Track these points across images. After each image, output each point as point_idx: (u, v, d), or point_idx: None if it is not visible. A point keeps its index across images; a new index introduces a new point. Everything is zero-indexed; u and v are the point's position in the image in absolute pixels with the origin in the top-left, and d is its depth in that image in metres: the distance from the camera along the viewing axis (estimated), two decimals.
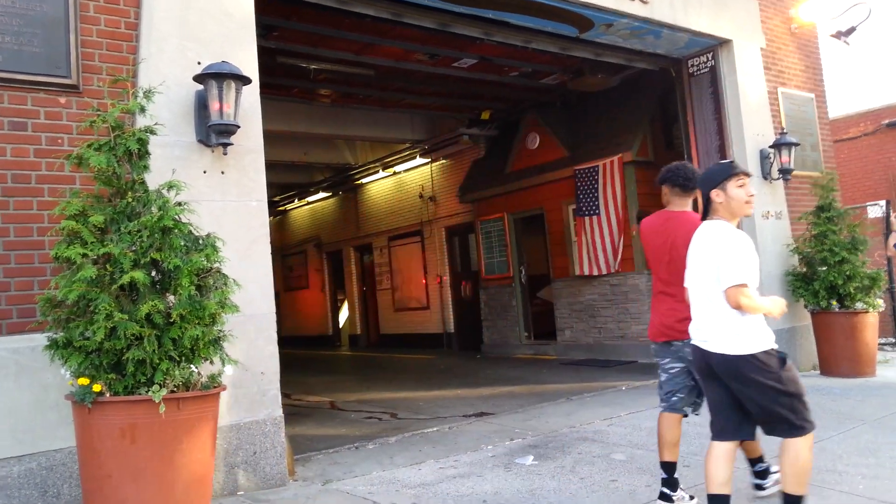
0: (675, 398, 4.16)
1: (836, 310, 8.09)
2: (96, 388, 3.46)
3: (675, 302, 3.98)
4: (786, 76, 9.50)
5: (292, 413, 7.41)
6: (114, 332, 3.49)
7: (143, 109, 4.08)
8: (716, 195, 3.43)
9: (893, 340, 10.32)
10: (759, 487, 4.13)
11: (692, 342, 3.54)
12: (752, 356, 3.24)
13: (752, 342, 3.26)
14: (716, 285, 3.33)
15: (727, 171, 3.45)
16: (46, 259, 4.20)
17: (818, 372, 8.32)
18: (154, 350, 3.51)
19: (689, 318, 3.63)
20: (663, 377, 4.21)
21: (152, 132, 4.03)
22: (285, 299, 20.87)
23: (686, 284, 3.65)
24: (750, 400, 3.31)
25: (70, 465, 4.11)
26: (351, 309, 18.79)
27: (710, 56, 8.92)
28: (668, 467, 4.08)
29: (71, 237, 3.68)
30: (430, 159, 15.12)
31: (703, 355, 3.44)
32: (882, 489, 4.14)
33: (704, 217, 3.54)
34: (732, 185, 3.41)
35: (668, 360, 4.17)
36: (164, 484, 3.48)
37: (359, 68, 10.17)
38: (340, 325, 19.46)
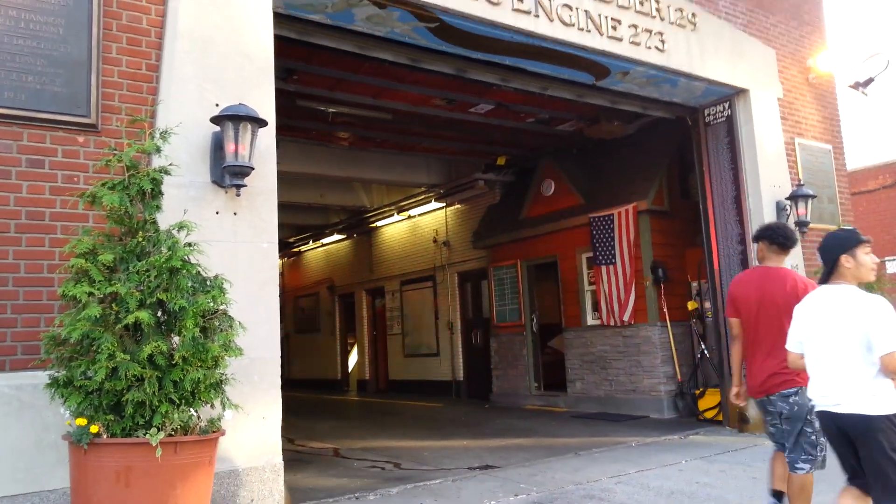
0: (781, 444, 4.37)
1: None
2: (94, 429, 3.41)
3: (765, 357, 4.21)
4: (803, 126, 9.48)
5: (294, 459, 7.29)
6: (115, 372, 3.45)
7: (158, 150, 4.11)
8: (846, 260, 3.56)
9: None
10: None
11: (818, 408, 3.57)
12: (888, 417, 3.33)
13: (891, 403, 3.35)
14: (856, 349, 3.38)
15: (857, 238, 3.62)
16: (55, 297, 4.19)
17: None
18: (154, 392, 3.46)
19: (778, 373, 4.03)
20: (771, 429, 4.43)
21: (167, 172, 4.05)
22: (295, 342, 20.78)
23: (794, 347, 3.71)
24: (869, 459, 3.34)
25: None
26: (360, 353, 18.64)
27: (726, 105, 8.93)
28: (777, 494, 4.33)
29: (79, 275, 3.68)
30: (445, 204, 15.15)
31: (833, 420, 3.46)
32: None
33: (825, 280, 3.65)
34: (861, 252, 3.58)
35: (769, 417, 4.37)
36: None
37: (376, 112, 10.28)
38: (349, 370, 19.29)
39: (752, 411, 8.40)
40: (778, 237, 4.36)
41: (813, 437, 4.09)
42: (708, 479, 6.00)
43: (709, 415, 9.36)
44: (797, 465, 4.10)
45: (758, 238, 4.49)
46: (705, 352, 9.89)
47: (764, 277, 4.33)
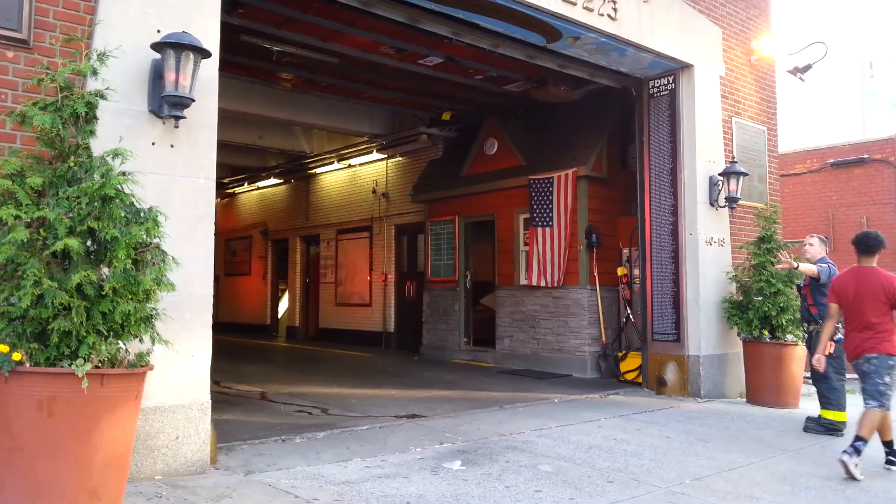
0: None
1: (767, 340, 8.31)
2: (16, 356, 3.30)
3: (861, 331, 5.50)
4: (741, 106, 9.75)
5: (220, 401, 7.24)
6: (41, 299, 3.34)
7: (95, 72, 3.94)
8: None
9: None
10: None
11: None
12: None
13: None
14: None
15: None
16: None
17: (744, 399, 8.54)
18: (82, 322, 3.37)
19: (867, 342, 5.40)
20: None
21: (102, 97, 3.89)
22: (225, 284, 20.45)
23: None
24: None
25: None
26: (291, 300, 18.50)
27: (671, 79, 9.09)
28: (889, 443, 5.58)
29: (5, 197, 3.52)
30: (386, 155, 15.02)
31: None
32: None
33: None
34: None
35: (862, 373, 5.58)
36: (79, 462, 3.35)
37: (323, 55, 10.04)
38: (279, 316, 19.14)
39: (670, 375, 8.78)
40: (860, 243, 5.66)
41: (881, 387, 5.34)
42: (625, 437, 6.27)
43: (629, 376, 9.74)
44: (868, 403, 5.38)
45: (852, 243, 5.75)
46: (630, 317, 10.23)
47: (857, 274, 5.62)
